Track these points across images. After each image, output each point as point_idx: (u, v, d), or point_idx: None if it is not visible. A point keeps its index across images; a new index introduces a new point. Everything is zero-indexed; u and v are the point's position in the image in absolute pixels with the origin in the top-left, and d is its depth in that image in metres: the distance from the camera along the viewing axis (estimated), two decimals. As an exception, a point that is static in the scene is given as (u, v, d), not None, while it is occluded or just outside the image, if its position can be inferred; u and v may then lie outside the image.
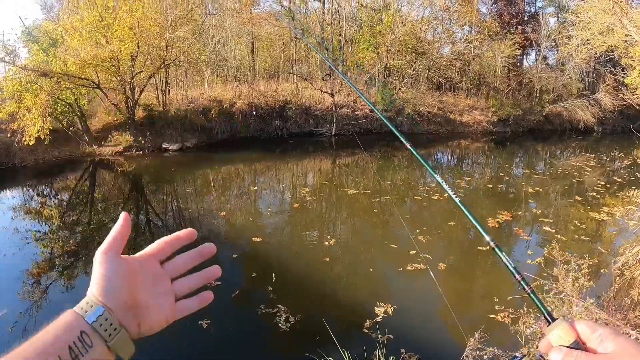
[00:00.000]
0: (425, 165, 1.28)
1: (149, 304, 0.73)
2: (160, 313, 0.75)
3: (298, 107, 23.42)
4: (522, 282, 0.94)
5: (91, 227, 10.09)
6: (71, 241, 9.01)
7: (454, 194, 1.17)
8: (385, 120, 1.44)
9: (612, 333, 0.70)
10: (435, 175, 1.25)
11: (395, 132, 1.41)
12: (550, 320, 0.82)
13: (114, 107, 18.21)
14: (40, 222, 10.50)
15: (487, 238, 1.05)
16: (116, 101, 18.13)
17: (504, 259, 0.99)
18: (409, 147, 1.35)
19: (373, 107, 1.66)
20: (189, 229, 0.82)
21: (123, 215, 0.76)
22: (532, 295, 0.92)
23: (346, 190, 13.63)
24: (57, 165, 15.84)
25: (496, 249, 1.02)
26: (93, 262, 0.70)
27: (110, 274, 0.69)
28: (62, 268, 7.79)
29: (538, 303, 0.90)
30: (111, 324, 0.65)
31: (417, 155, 1.33)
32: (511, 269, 0.96)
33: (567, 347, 0.74)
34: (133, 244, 9.14)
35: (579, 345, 0.73)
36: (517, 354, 0.89)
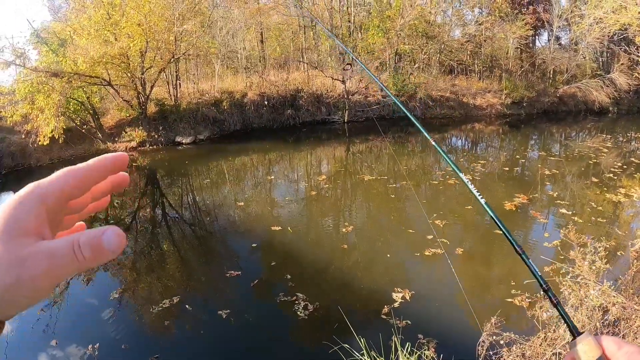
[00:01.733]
0: (451, 163, 1.27)
1: None
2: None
3: (310, 96, 23.37)
4: (548, 292, 0.92)
5: (108, 222, 10.20)
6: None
7: (479, 195, 1.17)
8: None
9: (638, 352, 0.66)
10: (461, 174, 1.24)
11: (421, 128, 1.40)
12: (575, 334, 0.79)
13: (126, 104, 18.33)
14: (58, 220, 10.63)
15: (515, 245, 1.05)
16: (128, 97, 18.26)
17: (532, 268, 0.97)
18: (433, 143, 1.32)
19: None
20: (120, 153, 0.54)
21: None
22: (558, 307, 0.89)
23: (362, 176, 13.64)
24: (72, 164, 15.79)
25: (523, 256, 1.02)
26: None
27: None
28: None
29: (564, 315, 0.87)
30: None
31: (442, 152, 1.31)
32: (538, 278, 0.96)
33: None
34: (150, 237, 9.26)
35: None
36: None
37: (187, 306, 6.21)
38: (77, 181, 0.50)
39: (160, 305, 6.19)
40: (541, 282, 0.94)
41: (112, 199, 9.75)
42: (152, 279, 7.37)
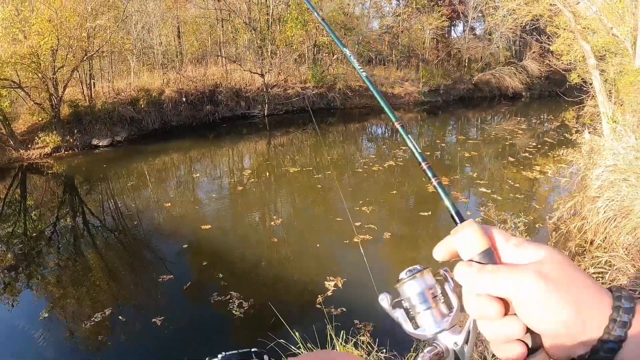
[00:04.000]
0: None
1: None
2: None
3: (228, 90, 22.97)
4: (427, 170, 0.75)
5: (28, 237, 9.62)
6: (9, 255, 8.54)
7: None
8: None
9: (529, 241, 0.60)
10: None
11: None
12: (458, 221, 0.66)
13: (37, 107, 17.29)
14: (-27, 239, 9.90)
15: (394, 119, 0.89)
16: (39, 100, 17.20)
17: (410, 143, 0.79)
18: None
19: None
20: None
21: None
22: (438, 187, 0.72)
23: (286, 169, 13.68)
24: (-15, 176, 14.84)
25: (401, 129, 0.85)
26: None
27: None
28: (4, 284, 7.41)
29: (445, 197, 0.70)
30: None
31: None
32: (416, 154, 0.77)
33: (477, 261, 0.60)
34: (73, 249, 8.83)
35: (492, 254, 0.60)
36: (418, 266, 0.72)
37: (120, 317, 5.99)
38: None
39: (93, 319, 5.93)
40: (419, 159, 0.77)
41: (30, 212, 9.23)
42: (80, 293, 7.01)
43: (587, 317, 0.53)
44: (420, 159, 0.76)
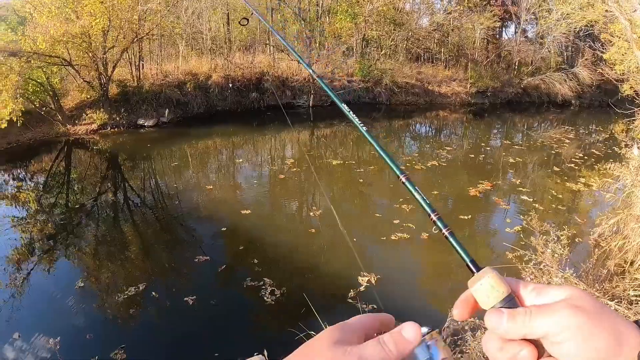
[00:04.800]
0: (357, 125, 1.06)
1: None
2: None
3: (275, 79, 23.11)
4: (438, 222, 0.76)
5: (69, 208, 9.90)
6: (50, 224, 8.83)
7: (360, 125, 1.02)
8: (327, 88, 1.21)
9: (549, 285, 0.60)
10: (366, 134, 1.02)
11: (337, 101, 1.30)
12: (474, 270, 0.65)
13: (87, 85, 17.75)
14: (17, 206, 10.20)
15: (398, 172, 0.92)
16: (89, 78, 17.65)
17: (416, 194, 0.83)
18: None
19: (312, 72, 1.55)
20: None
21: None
22: (450, 238, 0.73)
23: (329, 161, 13.64)
24: (31, 148, 15.24)
25: (407, 183, 0.88)
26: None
27: None
28: (42, 252, 7.65)
29: (458, 247, 0.72)
30: None
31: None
32: (424, 205, 0.79)
33: (503, 306, 0.58)
34: (112, 223, 9.03)
35: (514, 299, 0.59)
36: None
37: (152, 293, 6.08)
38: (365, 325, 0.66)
39: (126, 293, 6.05)
40: (428, 211, 0.78)
41: (72, 185, 9.50)
42: (116, 267, 7.18)
43: (625, 342, 0.52)
44: (429, 211, 0.78)
